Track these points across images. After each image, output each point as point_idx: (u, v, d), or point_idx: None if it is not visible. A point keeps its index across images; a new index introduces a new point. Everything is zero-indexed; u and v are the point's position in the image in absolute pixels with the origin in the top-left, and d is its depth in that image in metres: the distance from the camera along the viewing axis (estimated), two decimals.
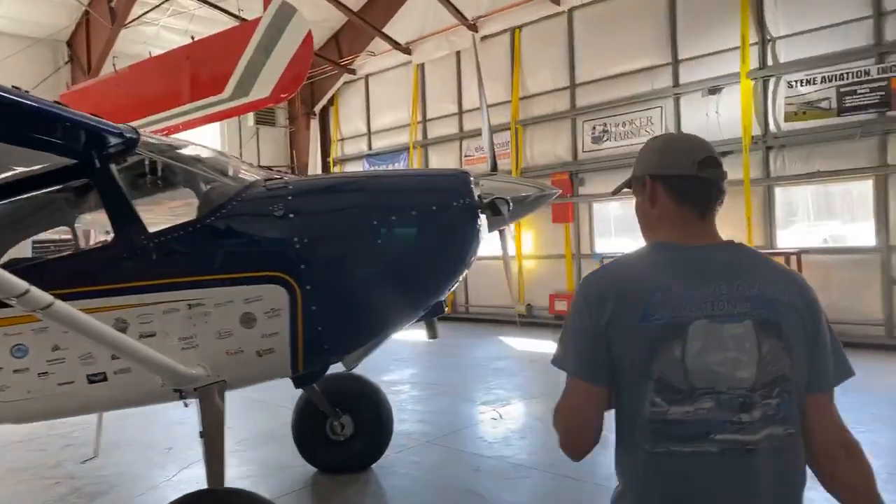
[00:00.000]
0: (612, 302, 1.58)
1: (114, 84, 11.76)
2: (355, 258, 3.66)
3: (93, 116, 3.45)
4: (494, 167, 4.35)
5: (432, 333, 4.45)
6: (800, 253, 10.29)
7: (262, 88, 9.71)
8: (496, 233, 4.56)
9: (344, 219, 3.74)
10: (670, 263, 1.63)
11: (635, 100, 12.55)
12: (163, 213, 4.46)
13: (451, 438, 6.27)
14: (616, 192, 1.96)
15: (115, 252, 3.66)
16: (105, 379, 3.61)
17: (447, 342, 12.67)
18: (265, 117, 18.40)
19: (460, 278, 4.07)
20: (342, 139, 18.85)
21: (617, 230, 13.82)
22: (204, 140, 17.67)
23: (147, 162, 3.93)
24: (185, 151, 4.26)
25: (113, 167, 3.61)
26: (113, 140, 3.52)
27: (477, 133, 15.10)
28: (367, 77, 17.87)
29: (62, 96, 12.60)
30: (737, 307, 1.55)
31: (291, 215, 3.64)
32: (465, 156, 15.55)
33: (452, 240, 3.82)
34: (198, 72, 10.43)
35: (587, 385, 1.63)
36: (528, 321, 13.92)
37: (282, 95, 9.62)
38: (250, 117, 18.10)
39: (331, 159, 18.82)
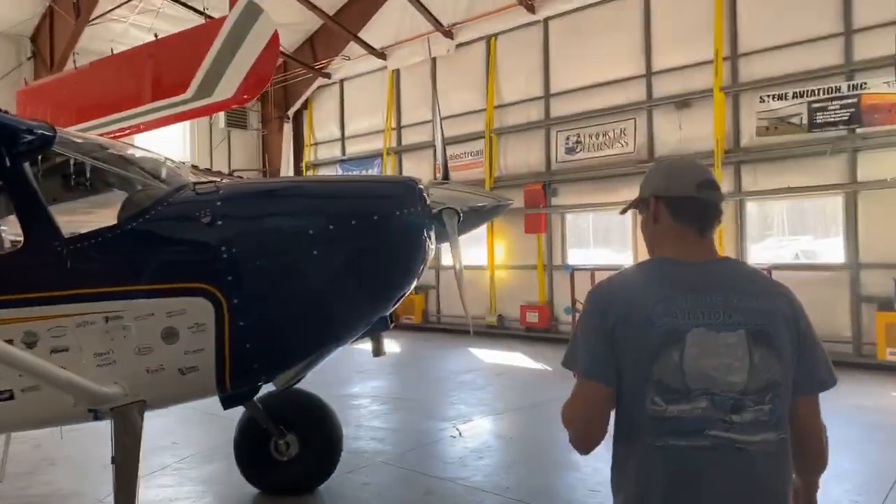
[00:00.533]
0: (619, 309, 1.73)
1: (73, 81, 11.37)
2: (288, 270, 3.41)
3: (2, 113, 3.17)
4: (446, 175, 4.12)
5: (377, 350, 4.19)
6: (770, 269, 10.20)
7: (226, 89, 9.38)
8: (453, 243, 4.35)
9: (276, 227, 3.48)
10: (672, 276, 1.77)
11: (609, 111, 12.46)
12: (86, 218, 4.16)
13: (405, 458, 6.01)
14: (624, 211, 2.13)
15: (26, 259, 3.36)
16: (12, 397, 3.31)
17: (414, 353, 12.46)
18: (236, 120, 18.05)
19: (407, 292, 3.84)
20: (316, 143, 18.55)
21: (588, 241, 13.72)
22: (173, 143, 17.34)
23: (73, 163, 3.64)
24: (116, 152, 3.98)
25: (27, 167, 3.32)
26: (25, 138, 3.23)
27: (452, 141, 14.93)
28: (341, 81, 17.62)
29: (19, 93, 12.18)
30: (731, 317, 1.68)
31: (219, 222, 3.37)
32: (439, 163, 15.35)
33: (397, 251, 3.59)
34: (160, 71, 10.09)
35: (598, 385, 1.74)
36: (499, 332, 13.74)
37: (245, 97, 9.27)
38: (221, 119, 17.75)
39: (304, 164, 18.51)
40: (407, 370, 10.78)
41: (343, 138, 17.76)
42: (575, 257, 13.33)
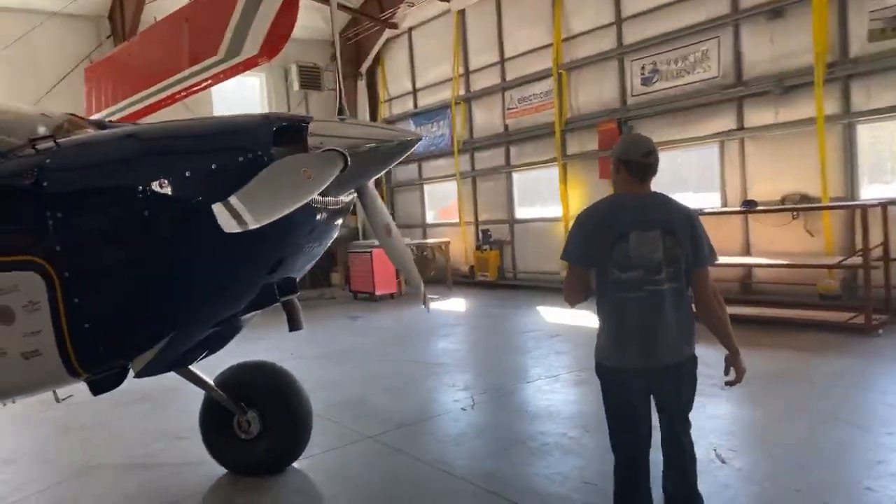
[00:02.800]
0: (594, 222, 2.97)
1: (126, 54, 11.59)
2: (119, 236, 2.86)
3: None
4: (341, 110, 3.36)
5: (292, 324, 3.58)
6: (886, 204, 8.36)
7: (252, 46, 9.02)
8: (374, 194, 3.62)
9: (103, 186, 2.92)
10: (623, 203, 2.99)
11: (688, 31, 10.75)
12: None
13: (399, 434, 5.43)
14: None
15: None
16: None
17: (474, 313, 11.82)
18: (311, 81, 17.88)
19: (292, 255, 3.18)
20: (390, 99, 18.03)
21: (675, 183, 12.17)
22: (251, 108, 17.53)
23: None
24: None
25: None
26: None
27: (520, 82, 13.83)
28: (409, 31, 16.86)
29: (86, 70, 12.65)
30: (653, 223, 2.90)
31: (45, 183, 2.88)
32: (508, 108, 14.28)
33: None
34: (195, 34, 9.91)
35: (581, 269, 3.00)
36: None
37: (268, 55, 8.89)
38: (295, 82, 17.69)
39: (378, 121, 18.09)
40: (460, 333, 10.15)
41: (414, 91, 17.08)
42: None
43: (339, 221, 3.49)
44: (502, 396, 6.33)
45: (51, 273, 2.86)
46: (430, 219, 17.38)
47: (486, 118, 15.04)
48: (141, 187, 2.78)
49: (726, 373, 3.00)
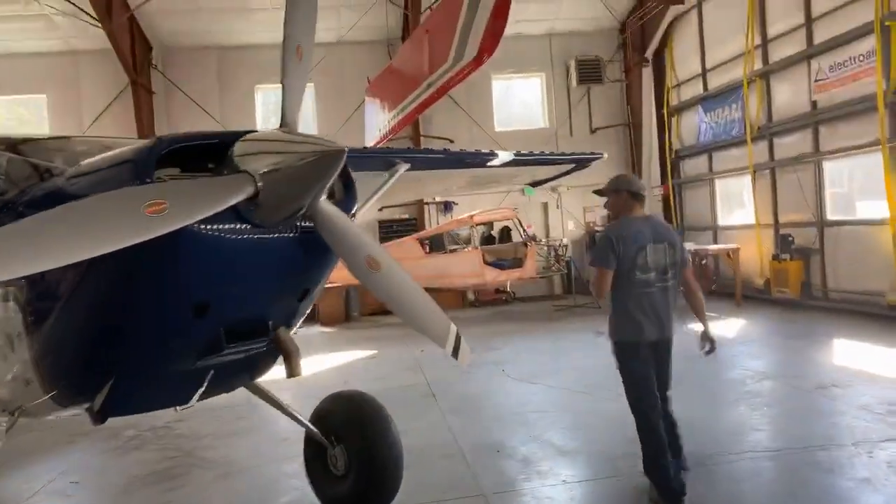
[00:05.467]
0: (620, 238, 4.08)
1: (390, 69, 12.39)
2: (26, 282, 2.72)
3: None
4: (283, 120, 2.59)
5: (286, 369, 3.05)
6: None
7: (472, 49, 8.81)
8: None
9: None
10: (639, 225, 4.16)
11: None
12: None
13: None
14: (600, 193, 4.47)
15: None
16: None
17: (766, 341, 9.51)
18: (590, 75, 16.94)
19: (251, 299, 2.66)
20: (678, 84, 16.01)
21: None
22: (533, 108, 17.36)
23: None
24: None
25: None
26: None
27: (831, 45, 10.81)
28: (699, 3, 14.63)
29: (367, 88, 13.92)
30: (660, 239, 4.12)
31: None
32: (816, 80, 11.23)
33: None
34: (433, 44, 10.08)
35: (608, 271, 4.09)
36: None
37: (485, 56, 8.47)
38: (573, 77, 16.93)
39: (664, 110, 16.19)
40: (740, 360, 8.07)
41: (703, 73, 14.78)
42: None
43: (303, 251, 2.83)
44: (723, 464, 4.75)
45: (21, 306, 2.89)
46: (721, 220, 14.88)
47: (788, 96, 12.16)
48: None
49: (701, 347, 4.31)
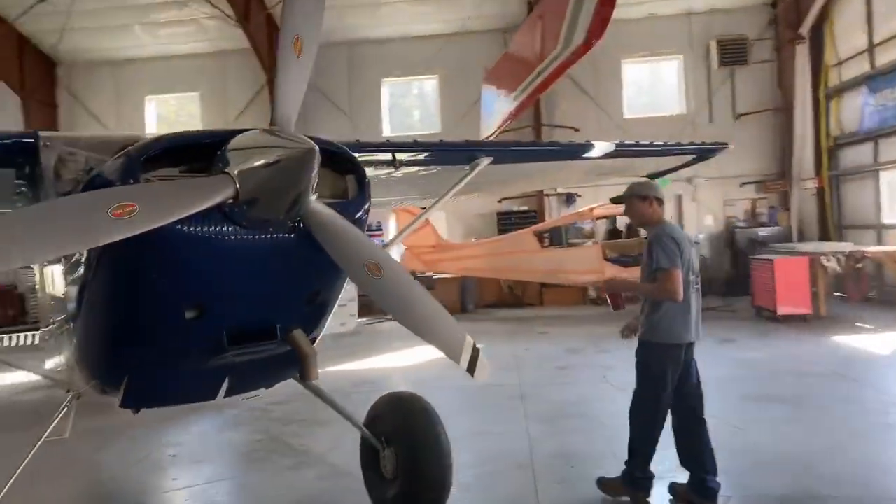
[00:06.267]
0: (679, 239, 4.23)
1: (505, 56, 12.11)
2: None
3: None
4: (272, 118, 2.38)
5: (301, 373, 2.95)
6: None
7: (581, 34, 8.39)
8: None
9: None
10: (677, 227, 4.59)
11: None
12: None
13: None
14: (618, 200, 4.64)
15: None
16: None
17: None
18: (734, 56, 15.45)
19: (250, 300, 2.59)
20: (838, 63, 14.12)
21: None
22: (668, 96, 16.18)
23: None
24: None
25: None
26: None
27: None
28: None
29: (485, 76, 13.67)
30: (692, 243, 4.40)
31: None
32: None
33: None
34: (544, 29, 9.70)
35: (679, 271, 4.12)
36: None
37: (593, 40, 7.95)
38: (714, 60, 15.51)
39: (820, 92, 14.35)
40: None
41: (871, 47, 12.87)
42: None
43: (300, 253, 2.67)
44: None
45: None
46: (887, 219, 12.94)
47: None
48: None
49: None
